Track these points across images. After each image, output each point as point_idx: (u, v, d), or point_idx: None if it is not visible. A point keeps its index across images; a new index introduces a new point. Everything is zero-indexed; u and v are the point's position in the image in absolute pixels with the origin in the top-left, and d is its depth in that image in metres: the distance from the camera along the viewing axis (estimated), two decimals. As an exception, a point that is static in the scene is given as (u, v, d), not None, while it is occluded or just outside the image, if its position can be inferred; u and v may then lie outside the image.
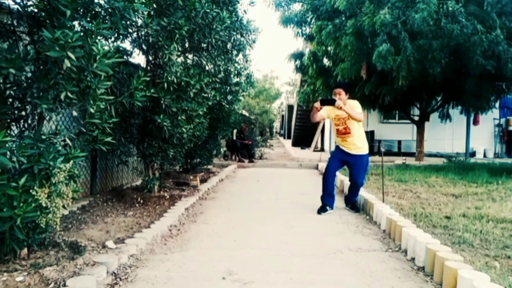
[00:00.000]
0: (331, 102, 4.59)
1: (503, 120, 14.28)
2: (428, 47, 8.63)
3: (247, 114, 20.29)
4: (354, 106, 4.79)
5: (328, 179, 5.00)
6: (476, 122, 13.24)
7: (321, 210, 4.94)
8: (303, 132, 20.43)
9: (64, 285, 2.40)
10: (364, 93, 10.66)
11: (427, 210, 4.72)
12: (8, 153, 2.34)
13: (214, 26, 4.70)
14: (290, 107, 28.04)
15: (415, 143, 12.50)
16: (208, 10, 4.54)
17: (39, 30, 2.75)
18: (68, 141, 3.06)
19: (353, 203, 5.16)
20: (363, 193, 5.45)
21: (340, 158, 5.03)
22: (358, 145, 4.92)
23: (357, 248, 3.51)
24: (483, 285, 2.31)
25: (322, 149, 16.53)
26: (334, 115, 4.93)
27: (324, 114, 4.94)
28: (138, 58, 7.13)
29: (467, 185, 6.65)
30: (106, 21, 3.00)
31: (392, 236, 3.79)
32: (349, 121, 4.82)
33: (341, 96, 4.74)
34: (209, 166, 9.34)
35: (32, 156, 2.51)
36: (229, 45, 5.75)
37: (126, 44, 10.97)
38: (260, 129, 25.66)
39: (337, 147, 5.12)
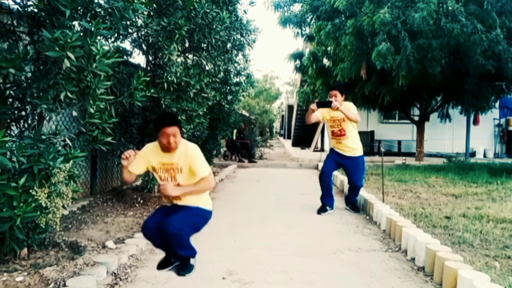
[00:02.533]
0: (328, 104, 4.60)
1: (503, 120, 14.26)
2: (428, 46, 8.62)
3: (247, 114, 20.28)
4: (350, 108, 4.77)
5: (325, 180, 5.00)
6: (476, 122, 13.22)
7: (321, 210, 4.94)
8: (303, 132, 20.42)
9: (64, 285, 2.40)
10: (364, 93, 10.66)
11: (427, 210, 4.72)
12: (8, 153, 2.34)
13: (214, 26, 4.70)
14: (290, 107, 28.03)
15: (415, 143, 12.50)
16: (208, 10, 4.54)
17: (39, 30, 2.75)
18: (68, 141, 3.06)
19: (353, 203, 5.16)
20: (363, 193, 5.45)
21: (335, 160, 5.01)
22: (353, 147, 4.90)
23: (357, 248, 3.51)
24: (483, 285, 2.31)
25: (322, 149, 16.52)
26: (330, 117, 4.89)
27: (319, 115, 4.89)
28: (138, 58, 7.15)
29: (467, 185, 6.65)
30: (106, 21, 3.01)
31: (392, 236, 3.79)
32: (345, 123, 4.79)
33: (337, 98, 4.70)
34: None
35: (32, 156, 2.51)
36: (229, 45, 5.75)
37: (126, 44, 10.97)
38: (260, 129, 25.67)
39: (332, 149, 5.10)
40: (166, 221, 2.58)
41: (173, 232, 2.56)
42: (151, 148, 2.72)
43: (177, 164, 2.64)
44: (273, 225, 4.33)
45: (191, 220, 2.70)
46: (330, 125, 4.94)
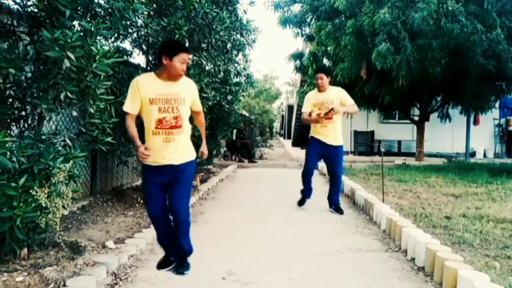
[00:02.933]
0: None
1: (503, 120, 14.26)
2: (428, 46, 8.62)
3: (247, 114, 20.28)
4: (345, 98, 4.76)
5: (308, 177, 5.05)
6: (476, 122, 13.22)
7: (302, 202, 5.17)
8: (303, 132, 20.36)
9: (64, 285, 2.40)
10: (364, 93, 10.66)
11: (427, 210, 4.72)
12: (8, 153, 2.34)
13: (214, 26, 4.70)
14: (290, 107, 28.01)
15: (415, 143, 12.50)
16: (208, 10, 4.53)
17: (39, 30, 2.75)
18: (68, 141, 3.06)
19: (337, 204, 4.98)
20: (363, 193, 5.44)
21: (318, 153, 4.94)
22: (337, 134, 4.82)
23: (357, 248, 3.51)
24: (483, 285, 2.31)
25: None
26: (316, 101, 4.80)
27: (310, 108, 4.85)
28: (138, 58, 7.13)
29: (467, 185, 6.65)
30: (106, 21, 3.00)
31: (392, 236, 3.79)
32: (333, 106, 4.73)
33: (323, 81, 4.74)
34: (209, 166, 9.33)
35: (32, 156, 2.51)
36: (229, 45, 5.75)
37: (126, 44, 10.96)
38: (260, 129, 25.64)
39: (313, 139, 4.91)
40: (174, 206, 2.64)
41: (185, 218, 2.69)
42: (146, 80, 2.62)
43: (180, 94, 2.61)
44: (273, 225, 4.33)
45: (189, 185, 2.79)
46: (318, 108, 4.79)
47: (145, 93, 2.56)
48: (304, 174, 5.07)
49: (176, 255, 2.88)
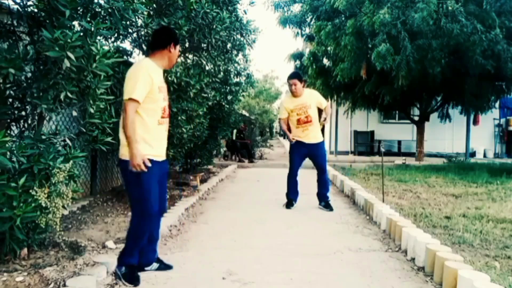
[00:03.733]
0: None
1: (503, 120, 14.26)
2: (427, 46, 8.63)
3: (247, 114, 20.27)
4: (320, 100, 5.07)
5: (294, 179, 5.12)
6: (476, 122, 13.23)
7: (290, 205, 5.12)
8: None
9: (64, 285, 2.40)
10: (364, 93, 10.67)
11: (427, 210, 4.72)
12: (8, 153, 2.34)
13: (214, 26, 4.70)
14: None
15: (415, 143, 12.50)
16: (208, 10, 4.53)
17: (39, 30, 2.75)
18: (68, 141, 3.06)
19: (327, 201, 5.09)
20: (363, 193, 5.44)
21: (302, 154, 5.07)
22: (317, 133, 5.03)
23: (357, 248, 3.51)
24: (483, 285, 2.31)
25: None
26: (293, 106, 4.96)
27: (286, 114, 5.04)
28: (138, 58, 7.12)
29: (467, 185, 6.65)
30: (106, 21, 3.00)
31: (392, 236, 3.79)
32: (311, 110, 4.92)
33: (296, 86, 4.88)
34: (209, 166, 9.33)
35: (32, 156, 2.51)
36: (229, 45, 5.75)
37: (126, 44, 10.96)
38: (260, 129, 25.62)
39: (296, 142, 5.06)
40: (163, 202, 2.69)
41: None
42: (153, 66, 2.54)
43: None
44: (273, 225, 4.33)
45: None
46: (297, 113, 4.97)
47: (156, 81, 2.51)
48: (289, 178, 5.18)
49: (152, 257, 2.86)
